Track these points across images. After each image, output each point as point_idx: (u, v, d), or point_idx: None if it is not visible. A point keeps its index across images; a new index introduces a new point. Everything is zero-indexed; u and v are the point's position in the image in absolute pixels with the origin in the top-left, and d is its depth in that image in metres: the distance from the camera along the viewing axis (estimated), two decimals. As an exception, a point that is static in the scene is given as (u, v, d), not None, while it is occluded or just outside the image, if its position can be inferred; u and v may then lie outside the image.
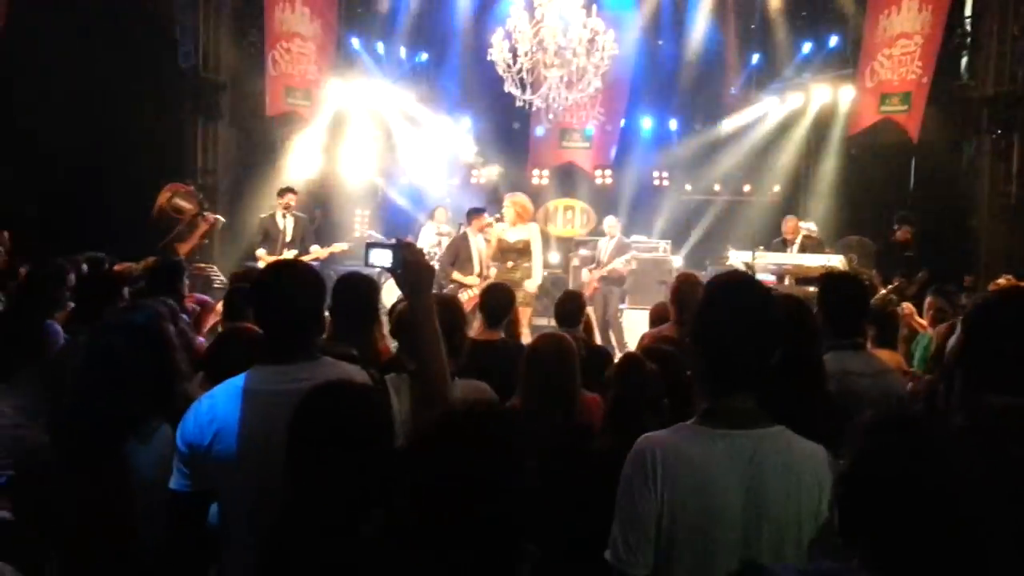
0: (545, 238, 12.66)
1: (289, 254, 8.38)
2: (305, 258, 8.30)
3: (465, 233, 8.20)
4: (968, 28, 9.68)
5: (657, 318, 4.95)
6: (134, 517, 2.22)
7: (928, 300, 5.31)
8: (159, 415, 2.37)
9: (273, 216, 8.77)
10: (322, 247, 8.97)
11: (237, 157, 11.25)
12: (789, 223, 9.43)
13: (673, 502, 1.72)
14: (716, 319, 1.82)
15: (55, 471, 2.49)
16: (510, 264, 7.65)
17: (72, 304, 4.35)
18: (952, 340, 3.05)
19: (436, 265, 8.21)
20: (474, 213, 8.24)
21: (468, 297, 7.59)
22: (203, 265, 8.57)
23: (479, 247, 8.04)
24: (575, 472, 2.68)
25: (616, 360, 3.54)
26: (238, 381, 2.15)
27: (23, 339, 3.68)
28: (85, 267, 5.52)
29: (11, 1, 7.23)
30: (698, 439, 1.77)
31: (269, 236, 8.66)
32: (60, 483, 2.36)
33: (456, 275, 7.91)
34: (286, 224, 8.73)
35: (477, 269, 8.01)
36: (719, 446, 1.75)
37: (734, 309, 1.80)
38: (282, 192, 8.86)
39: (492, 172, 12.64)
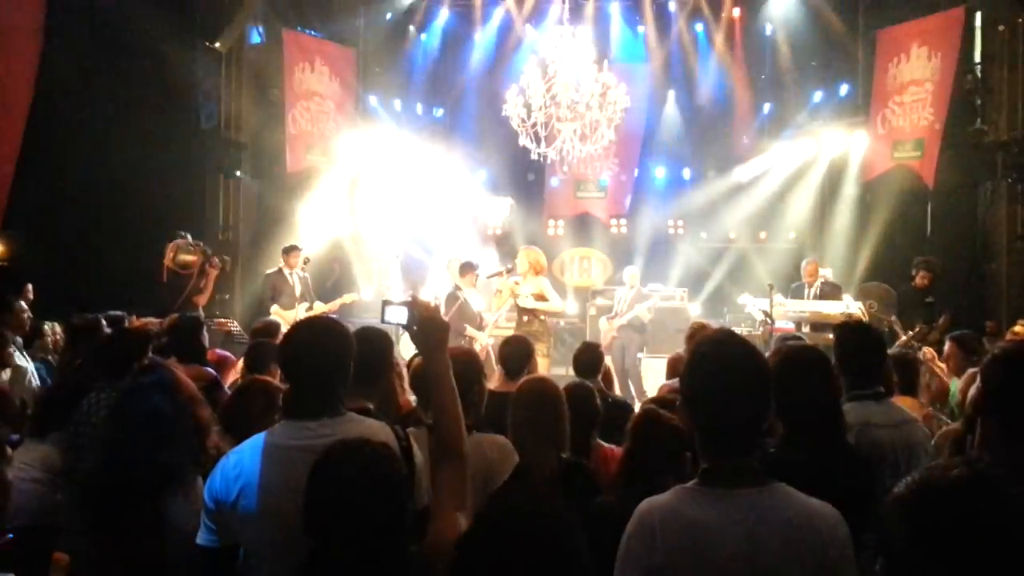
0: (562, 288, 12.74)
1: (301, 307, 8.46)
2: (322, 310, 8.41)
3: (458, 288, 8.20)
4: (979, 73, 9.75)
5: (674, 369, 4.94)
6: (167, 570, 2.25)
7: (947, 348, 5.25)
8: (195, 468, 2.43)
9: (281, 272, 8.87)
10: (332, 300, 9.06)
11: (258, 213, 11.46)
12: (809, 266, 9.41)
13: (674, 567, 1.70)
14: (701, 382, 1.81)
15: (86, 528, 2.53)
16: (526, 319, 7.64)
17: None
18: (972, 390, 3.02)
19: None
20: (467, 268, 8.30)
21: (480, 347, 7.65)
22: (223, 320, 8.67)
23: (476, 299, 8.19)
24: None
25: (635, 412, 3.53)
26: (264, 436, 2.18)
27: (70, 401, 3.73)
28: (106, 325, 5.59)
29: (42, 62, 7.47)
30: (697, 501, 1.75)
31: (280, 292, 8.75)
32: (95, 540, 2.40)
33: (470, 330, 7.98)
34: (294, 280, 8.85)
35: (488, 317, 8.15)
36: (718, 507, 1.73)
37: (718, 371, 1.78)
38: (290, 250, 8.96)
39: (504, 205, 12.72)
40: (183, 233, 8.69)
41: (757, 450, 1.79)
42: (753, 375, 1.79)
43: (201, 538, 2.14)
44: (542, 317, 7.67)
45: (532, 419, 2.98)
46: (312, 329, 2.30)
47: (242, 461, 2.13)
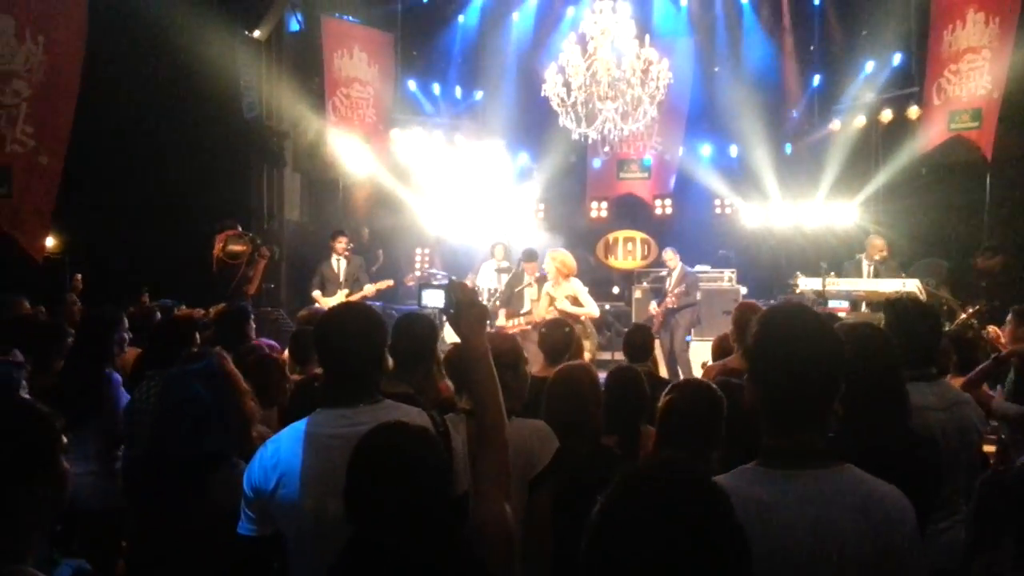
0: (605, 272, 12.61)
1: (342, 293, 8.50)
2: (356, 296, 8.43)
3: (522, 272, 8.22)
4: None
5: (719, 350, 4.82)
6: (214, 551, 2.27)
7: (1009, 319, 4.99)
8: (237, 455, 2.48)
9: (328, 259, 8.95)
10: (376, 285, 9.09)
11: (301, 200, 11.57)
12: (876, 241, 9.04)
13: None
14: (771, 354, 1.73)
15: (137, 512, 2.58)
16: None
17: (136, 348, 4.50)
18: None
19: (498, 303, 8.26)
20: (527, 259, 8.23)
21: (512, 325, 7.65)
22: (270, 309, 8.76)
23: (530, 287, 8.13)
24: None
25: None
26: (303, 425, 2.17)
27: (85, 389, 3.81)
28: (159, 314, 5.69)
29: (87, 58, 7.59)
30: (761, 481, 1.69)
31: (325, 278, 8.83)
32: (143, 523, 2.44)
33: (501, 314, 7.97)
34: (339, 266, 8.88)
35: (527, 307, 8.07)
36: (782, 487, 1.66)
37: (790, 342, 1.70)
38: (334, 236, 9.02)
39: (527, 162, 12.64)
40: (233, 223, 8.82)
41: (824, 430, 1.71)
42: (826, 347, 1.71)
43: (241, 527, 2.15)
44: (582, 318, 7.59)
45: (566, 406, 2.93)
46: (345, 316, 2.29)
47: (279, 450, 2.13)
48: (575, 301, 7.53)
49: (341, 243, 8.92)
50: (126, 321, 4.51)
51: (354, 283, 8.88)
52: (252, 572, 2.17)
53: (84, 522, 3.75)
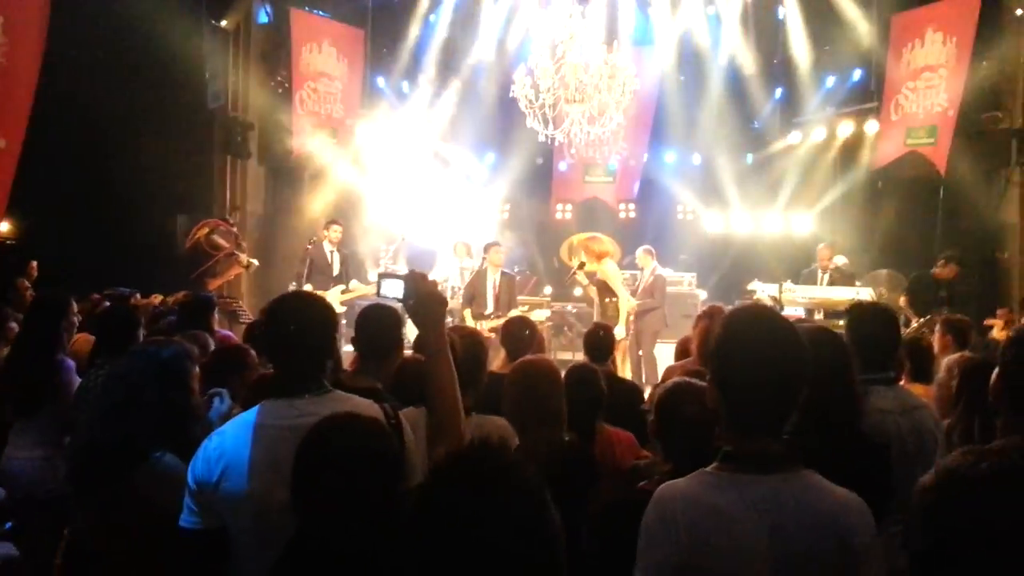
0: (569, 272, 12.65)
1: (337, 289, 8.29)
2: (348, 295, 8.20)
3: (485, 269, 8.13)
4: (995, 59, 9.59)
5: (683, 352, 4.88)
6: (142, 543, 2.23)
7: (937, 328, 5.12)
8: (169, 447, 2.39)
9: (321, 247, 8.54)
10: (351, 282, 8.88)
11: (265, 193, 11.43)
12: (824, 252, 9.30)
13: (696, 552, 1.64)
14: (734, 358, 1.71)
15: (74, 501, 2.52)
16: (607, 301, 7.61)
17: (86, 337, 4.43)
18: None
19: (460, 298, 8.22)
20: (491, 246, 8.16)
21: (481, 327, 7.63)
22: (230, 299, 8.62)
23: (495, 283, 8.01)
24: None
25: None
26: (248, 416, 2.13)
27: (36, 376, 3.75)
28: (107, 303, 5.60)
29: (49, 40, 7.43)
30: (718, 486, 1.68)
31: (317, 269, 8.43)
32: (74, 508, 2.39)
33: (467, 314, 7.90)
34: (334, 258, 8.57)
35: (491, 307, 7.96)
36: (741, 494, 1.65)
37: (753, 346, 1.68)
38: (327, 224, 8.64)
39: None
40: (229, 219, 8.65)
41: (784, 432, 1.70)
42: (790, 352, 1.69)
43: (183, 520, 2.09)
44: (613, 299, 7.63)
45: (525, 400, 2.92)
46: (294, 304, 2.25)
47: (224, 442, 2.09)
48: (604, 287, 7.54)
49: (336, 232, 8.50)
50: (75, 306, 4.42)
51: (345, 278, 8.49)
52: (195, 565, 2.10)
53: (30, 508, 3.68)
